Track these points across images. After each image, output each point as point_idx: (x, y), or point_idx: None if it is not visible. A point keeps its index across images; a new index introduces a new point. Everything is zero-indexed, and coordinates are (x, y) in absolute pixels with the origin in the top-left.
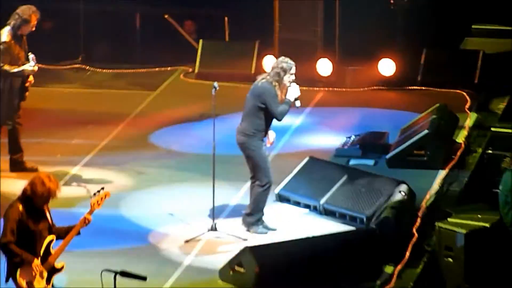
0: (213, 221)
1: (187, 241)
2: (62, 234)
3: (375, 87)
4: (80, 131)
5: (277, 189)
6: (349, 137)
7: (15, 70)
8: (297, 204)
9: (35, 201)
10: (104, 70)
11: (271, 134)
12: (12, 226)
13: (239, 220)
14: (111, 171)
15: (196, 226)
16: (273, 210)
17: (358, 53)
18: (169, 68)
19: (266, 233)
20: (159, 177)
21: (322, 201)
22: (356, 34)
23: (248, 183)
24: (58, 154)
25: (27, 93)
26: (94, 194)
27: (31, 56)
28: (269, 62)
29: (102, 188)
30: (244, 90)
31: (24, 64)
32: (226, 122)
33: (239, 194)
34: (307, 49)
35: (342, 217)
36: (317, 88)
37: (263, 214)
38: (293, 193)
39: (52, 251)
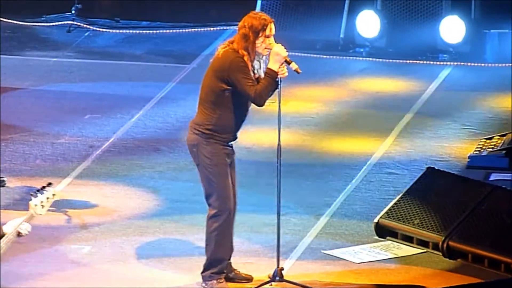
0: (278, 264)
1: None
2: None
3: None
4: (73, 124)
5: (377, 217)
6: (489, 139)
7: None
8: (408, 239)
9: None
10: (112, 30)
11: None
12: None
13: (318, 264)
14: (122, 185)
15: (253, 271)
16: (366, 252)
17: (505, 10)
18: (212, 29)
19: None
20: (194, 191)
21: (447, 236)
22: None
23: (331, 209)
24: (37, 160)
25: None
26: (37, 191)
27: None
28: (366, 22)
29: (49, 184)
30: (329, 64)
31: None
32: (297, 115)
33: (319, 224)
34: (426, 3)
35: (477, 261)
36: (442, 63)
37: (224, 264)
38: (402, 223)
39: None
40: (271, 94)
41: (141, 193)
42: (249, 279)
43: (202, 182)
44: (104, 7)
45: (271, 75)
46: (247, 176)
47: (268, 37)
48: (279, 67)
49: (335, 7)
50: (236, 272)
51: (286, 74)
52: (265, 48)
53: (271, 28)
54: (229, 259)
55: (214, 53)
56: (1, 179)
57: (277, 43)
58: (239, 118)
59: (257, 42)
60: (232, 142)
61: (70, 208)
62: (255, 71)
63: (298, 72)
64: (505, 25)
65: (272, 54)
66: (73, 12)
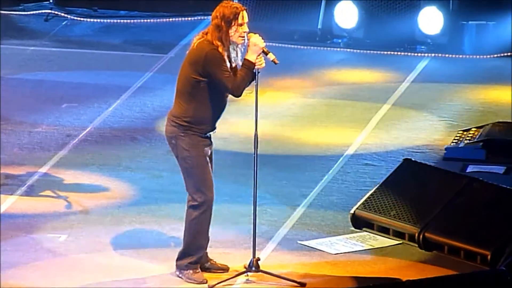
0: (254, 254)
1: (212, 287)
2: None
3: (508, 54)
4: (50, 113)
5: (353, 208)
6: (467, 130)
7: None
8: (384, 230)
9: None
10: (89, 20)
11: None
12: None
13: (294, 255)
14: (99, 174)
15: (229, 261)
16: (342, 242)
17: (483, 2)
18: (190, 19)
19: (205, 283)
20: (171, 181)
21: (423, 228)
22: None
23: (307, 200)
24: (15, 149)
25: None
26: None
27: None
28: (343, 13)
29: None
30: (307, 55)
31: None
32: (273, 105)
33: (295, 215)
34: None
35: (453, 252)
36: (419, 54)
37: (201, 254)
38: (379, 214)
39: None
40: (249, 85)
41: (117, 182)
42: (225, 269)
43: (182, 174)
44: None
45: (249, 66)
46: (223, 167)
47: (241, 25)
48: (257, 58)
49: None
50: (212, 262)
51: (264, 65)
52: (239, 37)
53: (244, 16)
54: (205, 249)
55: (190, 45)
56: None
57: (255, 33)
58: (217, 109)
59: (230, 31)
60: (211, 133)
61: (47, 196)
62: (232, 60)
63: (275, 63)
64: (482, 16)
65: (250, 45)
66: (51, 1)
